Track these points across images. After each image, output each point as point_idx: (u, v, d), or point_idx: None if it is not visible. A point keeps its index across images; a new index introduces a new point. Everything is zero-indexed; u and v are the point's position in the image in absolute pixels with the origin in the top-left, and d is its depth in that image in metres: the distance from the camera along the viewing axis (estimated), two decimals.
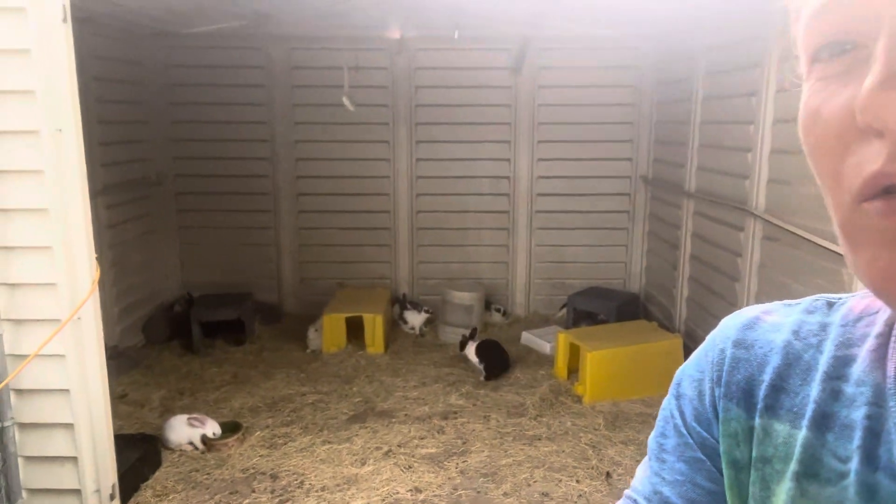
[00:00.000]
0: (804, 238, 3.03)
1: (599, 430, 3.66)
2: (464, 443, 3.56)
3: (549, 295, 5.68)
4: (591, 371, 3.99)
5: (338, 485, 3.16)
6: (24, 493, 2.71)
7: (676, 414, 0.56)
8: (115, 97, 4.68)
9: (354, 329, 4.87)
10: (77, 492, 2.74)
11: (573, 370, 4.33)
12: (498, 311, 5.53)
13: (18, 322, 2.60)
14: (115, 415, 3.05)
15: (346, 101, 4.72)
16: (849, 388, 0.46)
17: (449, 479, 3.22)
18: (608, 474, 3.22)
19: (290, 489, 3.14)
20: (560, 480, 3.19)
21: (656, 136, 5.30)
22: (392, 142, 5.48)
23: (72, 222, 2.54)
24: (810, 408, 0.47)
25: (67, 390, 2.65)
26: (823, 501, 0.44)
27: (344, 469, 3.30)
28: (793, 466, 0.46)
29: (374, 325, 4.81)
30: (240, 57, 5.29)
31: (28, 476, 2.73)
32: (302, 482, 3.19)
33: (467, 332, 4.56)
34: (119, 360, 4.38)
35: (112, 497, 2.80)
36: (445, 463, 3.36)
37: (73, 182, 2.52)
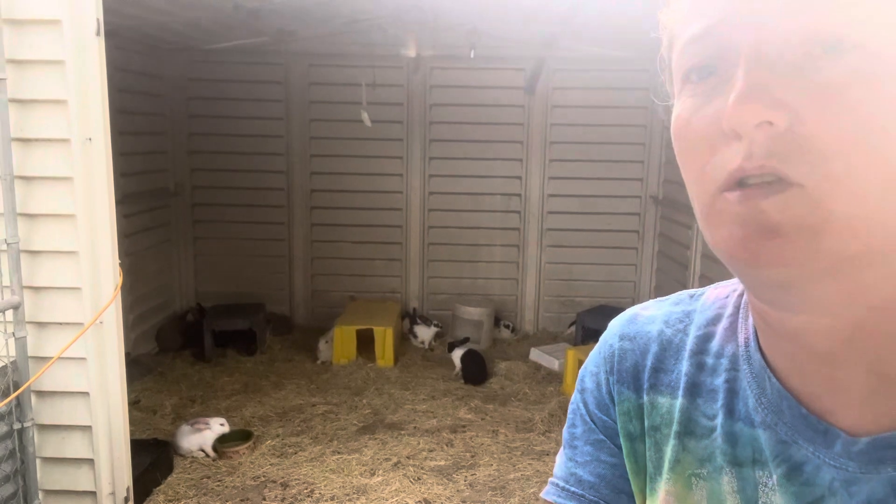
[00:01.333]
0: None
1: None
2: (472, 456, 3.59)
3: (559, 312, 5.72)
4: None
5: (347, 495, 3.19)
6: (40, 494, 2.75)
7: (581, 406, 0.67)
8: (136, 109, 4.79)
9: (365, 342, 4.92)
10: (92, 494, 2.78)
11: None
12: (507, 327, 5.56)
13: (42, 325, 2.66)
14: (129, 420, 3.10)
15: (364, 116, 4.80)
16: (710, 360, 0.57)
17: (458, 491, 3.24)
18: None
19: (300, 498, 3.17)
20: None
21: (667, 157, 5.36)
22: (405, 158, 5.56)
23: (98, 229, 2.61)
24: (682, 380, 0.58)
25: (87, 393, 2.70)
26: (700, 452, 0.55)
27: (353, 479, 3.33)
28: (674, 428, 0.57)
29: (385, 339, 4.86)
30: (259, 72, 5.40)
31: (45, 477, 2.78)
32: (312, 491, 3.22)
33: (461, 338, 4.68)
34: (133, 366, 4.43)
35: (126, 500, 2.84)
36: (454, 476, 3.38)
37: (100, 190, 2.59)
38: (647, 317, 0.64)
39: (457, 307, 5.29)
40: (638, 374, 0.61)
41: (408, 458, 3.55)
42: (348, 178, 5.58)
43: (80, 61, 2.50)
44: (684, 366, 0.58)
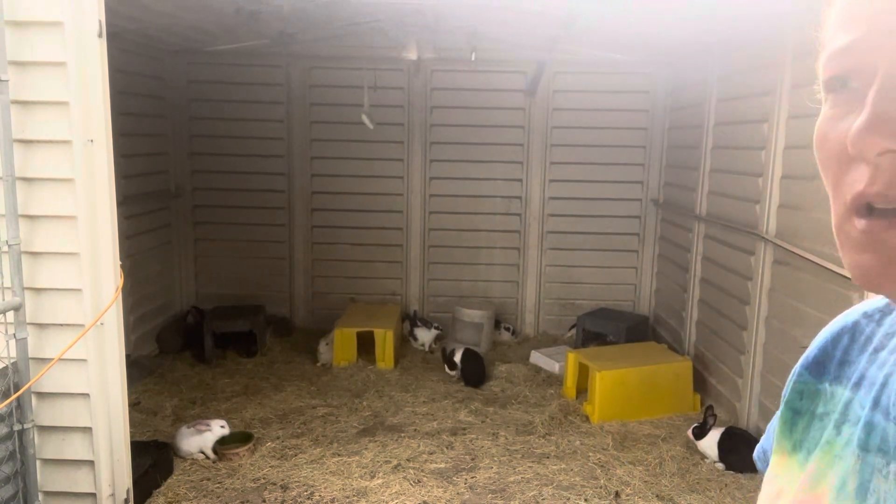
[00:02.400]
0: (814, 262, 3.06)
1: (608, 450, 3.68)
2: (472, 459, 3.58)
3: (559, 315, 5.71)
4: (599, 391, 4.01)
5: (347, 497, 3.19)
6: (40, 496, 2.75)
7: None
8: (137, 111, 4.80)
9: (365, 344, 4.92)
10: (92, 495, 2.78)
11: (582, 390, 4.35)
12: (507, 329, 5.56)
13: (42, 326, 2.67)
14: (129, 422, 3.09)
15: (365, 118, 4.81)
16: (885, 354, 0.57)
17: (458, 493, 3.24)
18: (617, 494, 3.24)
19: (299, 500, 3.17)
20: (568, 499, 3.20)
21: (668, 161, 5.36)
22: (406, 160, 5.56)
23: (99, 230, 2.62)
24: (856, 373, 0.59)
25: (87, 394, 2.71)
26: (847, 436, 0.57)
27: (353, 482, 3.33)
28: (835, 416, 0.59)
29: (385, 341, 4.86)
30: (260, 74, 5.41)
31: (45, 479, 2.78)
32: (312, 493, 3.22)
33: (459, 351, 4.70)
34: (133, 368, 4.43)
35: (126, 502, 2.84)
36: (454, 478, 3.38)
37: (101, 191, 2.60)
38: (857, 306, 0.64)
39: (457, 309, 5.29)
40: (825, 361, 0.63)
41: (408, 460, 3.55)
42: (349, 181, 5.59)
43: (81, 63, 2.51)
44: (864, 358, 0.59)
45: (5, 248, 2.51)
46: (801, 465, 0.61)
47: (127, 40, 4.48)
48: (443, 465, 3.51)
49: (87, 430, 2.74)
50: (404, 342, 5.36)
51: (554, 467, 3.49)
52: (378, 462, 3.52)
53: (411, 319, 5.43)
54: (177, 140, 5.45)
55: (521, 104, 5.46)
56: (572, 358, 4.41)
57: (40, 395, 2.71)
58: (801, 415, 0.63)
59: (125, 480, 2.84)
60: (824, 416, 0.61)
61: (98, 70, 2.53)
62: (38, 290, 2.64)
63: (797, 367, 0.66)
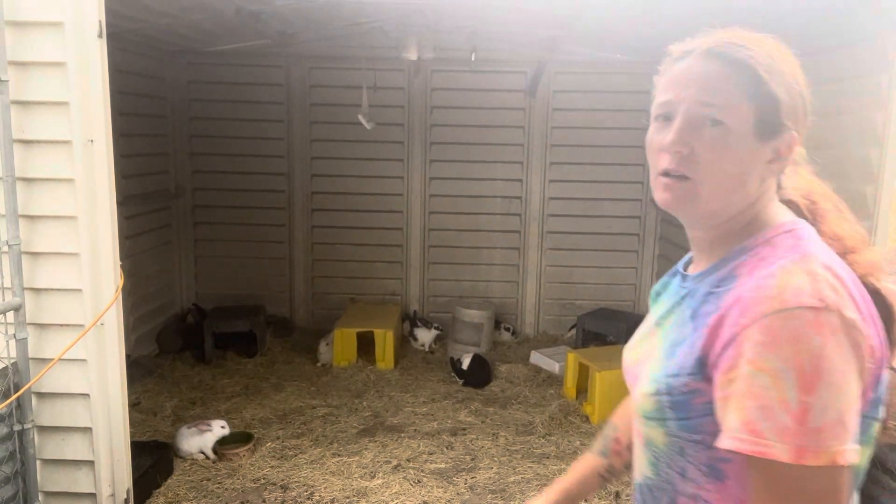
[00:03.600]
0: None
1: None
2: (472, 459, 3.59)
3: (559, 315, 5.71)
4: (599, 391, 4.01)
5: (347, 497, 3.19)
6: (40, 496, 2.75)
7: None
8: (137, 111, 4.80)
9: (365, 344, 4.92)
10: (92, 496, 2.78)
11: (582, 390, 4.35)
12: (507, 329, 5.56)
13: (42, 326, 2.67)
14: (129, 422, 3.09)
15: (362, 118, 4.80)
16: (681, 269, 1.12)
17: (458, 494, 3.24)
18: (617, 494, 3.24)
19: (299, 500, 3.17)
20: None
21: None
22: (406, 160, 5.56)
23: (99, 230, 2.62)
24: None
25: (87, 395, 2.71)
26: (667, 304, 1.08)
27: (353, 482, 3.33)
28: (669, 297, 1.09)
29: (385, 341, 4.86)
30: (260, 74, 5.41)
31: (45, 479, 2.78)
32: (312, 493, 3.22)
33: (467, 359, 4.69)
34: (133, 368, 4.43)
35: (126, 502, 2.84)
36: (454, 478, 3.38)
37: (101, 191, 2.60)
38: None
39: (457, 310, 5.29)
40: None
41: (408, 460, 3.55)
42: (349, 181, 5.59)
43: (81, 63, 2.51)
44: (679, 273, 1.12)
45: (5, 249, 2.51)
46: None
47: (127, 40, 4.48)
48: (443, 466, 3.51)
49: (87, 430, 2.74)
50: (404, 342, 5.36)
51: (554, 467, 3.49)
52: (378, 462, 3.52)
53: (411, 319, 5.43)
54: (177, 140, 5.45)
55: (521, 104, 5.46)
56: (572, 358, 4.41)
57: (40, 395, 2.71)
58: (657, 302, 1.12)
59: (125, 480, 2.84)
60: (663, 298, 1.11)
61: (98, 70, 2.53)
62: (38, 291, 2.64)
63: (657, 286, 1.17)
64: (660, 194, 0.95)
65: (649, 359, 0.99)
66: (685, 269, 1.06)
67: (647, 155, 0.99)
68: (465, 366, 4.62)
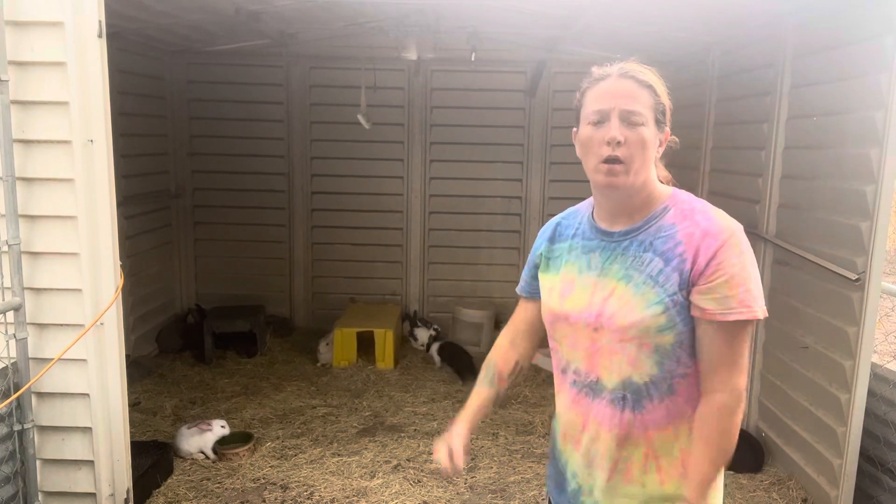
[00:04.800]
0: (814, 262, 3.06)
1: None
2: (472, 459, 3.58)
3: None
4: None
5: (347, 497, 3.19)
6: (40, 496, 2.75)
7: (531, 255, 1.60)
8: (137, 111, 4.80)
9: (365, 344, 4.92)
10: (92, 495, 2.78)
11: None
12: None
13: (42, 326, 2.67)
14: (129, 422, 3.09)
15: (361, 118, 4.81)
16: (571, 230, 1.51)
17: (458, 493, 3.24)
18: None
19: (299, 500, 3.17)
20: None
21: (667, 161, 5.35)
22: (406, 160, 5.57)
23: (99, 230, 2.62)
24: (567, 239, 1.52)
25: (87, 395, 2.71)
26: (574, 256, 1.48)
27: (353, 482, 3.33)
28: (567, 249, 1.49)
29: (385, 341, 4.86)
30: (260, 74, 5.41)
31: (45, 479, 2.78)
32: (312, 493, 3.22)
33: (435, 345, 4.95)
34: (133, 368, 4.43)
35: (126, 502, 2.84)
36: (454, 478, 3.38)
37: (101, 191, 2.60)
38: (556, 219, 1.58)
39: (457, 310, 5.29)
40: (553, 237, 1.53)
41: (408, 460, 3.55)
42: (349, 181, 5.59)
43: (81, 63, 2.51)
44: (570, 234, 1.50)
45: (5, 248, 2.51)
46: (556, 275, 1.47)
47: (127, 40, 4.48)
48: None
49: (86, 430, 2.74)
50: (404, 342, 5.36)
51: None
52: (378, 462, 3.52)
53: (411, 319, 5.43)
54: (177, 140, 5.45)
55: (521, 104, 5.46)
56: None
57: (40, 395, 2.71)
58: (550, 259, 1.50)
59: (125, 480, 2.84)
60: (558, 255, 1.49)
61: (98, 70, 2.53)
62: (38, 291, 2.64)
63: (543, 243, 1.55)
64: (604, 177, 1.31)
65: (617, 298, 1.33)
66: (600, 227, 1.44)
67: (583, 149, 1.35)
68: (433, 351, 4.89)
